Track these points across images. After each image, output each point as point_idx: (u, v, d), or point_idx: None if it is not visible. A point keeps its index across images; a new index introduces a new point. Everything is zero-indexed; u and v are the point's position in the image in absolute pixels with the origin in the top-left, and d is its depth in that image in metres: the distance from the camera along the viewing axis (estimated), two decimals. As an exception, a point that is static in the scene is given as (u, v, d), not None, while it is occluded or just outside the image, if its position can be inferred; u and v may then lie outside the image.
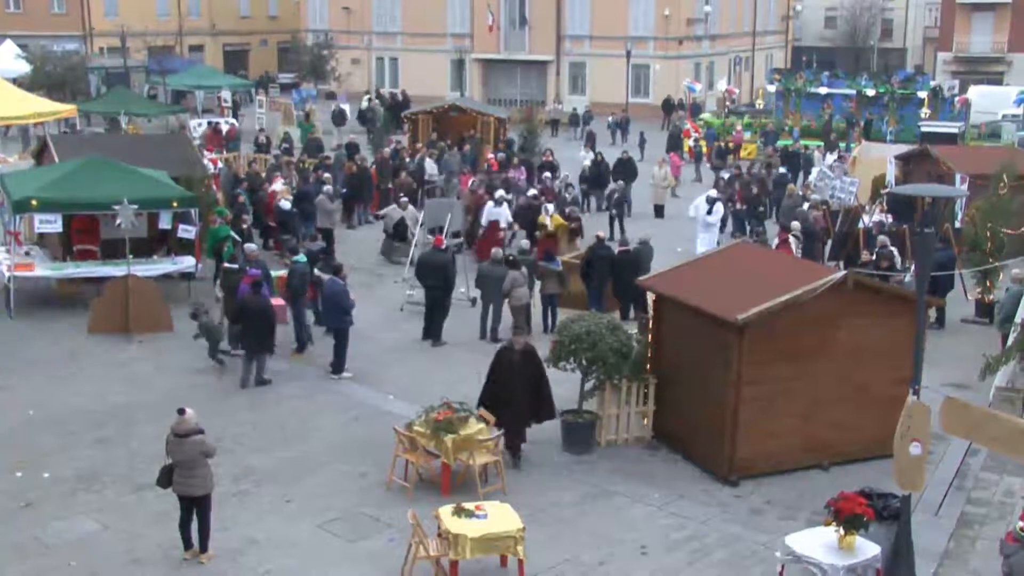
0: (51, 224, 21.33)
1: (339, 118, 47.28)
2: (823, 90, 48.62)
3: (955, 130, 42.33)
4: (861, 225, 25.43)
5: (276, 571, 12.19)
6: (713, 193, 27.98)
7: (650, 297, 16.68)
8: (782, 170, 33.45)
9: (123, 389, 17.67)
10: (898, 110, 46.60)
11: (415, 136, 39.04)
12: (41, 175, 23.03)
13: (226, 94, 50.28)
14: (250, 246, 21.30)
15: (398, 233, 26.19)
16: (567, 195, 29.90)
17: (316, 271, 20.11)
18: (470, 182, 30.27)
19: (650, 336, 16.03)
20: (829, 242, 26.08)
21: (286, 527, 13.14)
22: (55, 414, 16.52)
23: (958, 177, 26.54)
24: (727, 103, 54.39)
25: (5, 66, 45.85)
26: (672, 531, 13.24)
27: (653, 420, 15.83)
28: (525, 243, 22.94)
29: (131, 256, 20.62)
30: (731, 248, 17.85)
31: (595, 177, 33.18)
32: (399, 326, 21.33)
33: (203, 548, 12.30)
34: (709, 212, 26.73)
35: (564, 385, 15.49)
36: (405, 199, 27.53)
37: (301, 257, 20.19)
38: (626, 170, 33.41)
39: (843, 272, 15.03)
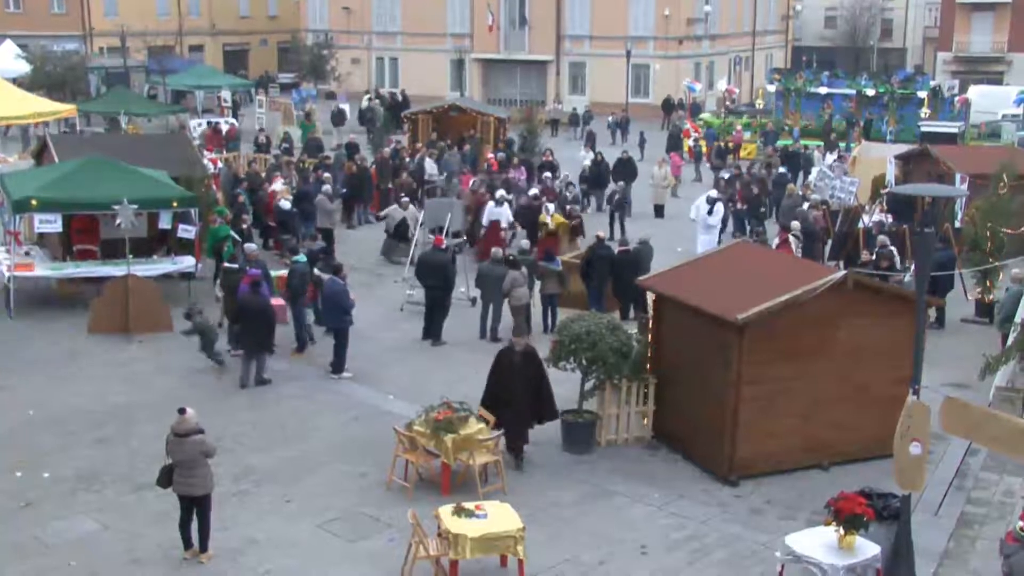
0: (51, 224, 21.33)
1: (338, 118, 47.28)
2: (823, 90, 48.64)
3: (955, 130, 42.35)
4: (861, 225, 25.43)
5: (276, 571, 12.19)
6: (714, 193, 27.97)
7: (650, 297, 16.68)
8: (782, 170, 33.44)
9: (123, 389, 17.67)
10: (898, 110, 46.61)
11: (415, 136, 39.03)
12: (41, 175, 23.02)
13: (226, 94, 50.29)
14: (250, 246, 21.30)
15: (399, 233, 26.18)
16: (568, 194, 29.91)
17: (316, 271, 20.11)
18: (471, 182, 30.27)
19: (650, 336, 16.03)
20: (829, 242, 26.07)
21: (286, 527, 13.14)
22: (55, 414, 16.52)
23: (958, 177, 26.55)
24: (727, 103, 54.39)
25: (5, 66, 45.84)
26: (672, 531, 13.24)
27: (653, 420, 15.83)
28: (525, 243, 22.95)
29: (131, 256, 20.62)
30: (731, 248, 17.85)
31: (595, 177, 33.18)
32: (399, 326, 21.33)
33: (203, 548, 12.30)
34: (710, 212, 26.71)
35: (564, 385, 15.49)
36: (406, 199, 27.52)
37: (301, 257, 20.19)
38: (626, 170, 33.40)
39: (843, 272, 15.03)
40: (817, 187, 29.27)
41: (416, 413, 14.60)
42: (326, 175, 29.55)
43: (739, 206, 28.98)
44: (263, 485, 14.27)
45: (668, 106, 55.56)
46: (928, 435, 11.32)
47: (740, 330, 13.85)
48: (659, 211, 32.44)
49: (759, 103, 53.80)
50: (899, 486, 11.41)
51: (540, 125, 39.61)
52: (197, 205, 22.31)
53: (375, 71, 67.13)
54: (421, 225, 24.37)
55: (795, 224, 24.20)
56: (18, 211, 21.09)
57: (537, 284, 21.21)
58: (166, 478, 12.15)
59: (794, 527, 12.68)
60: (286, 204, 26.35)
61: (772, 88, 51.27)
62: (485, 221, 26.20)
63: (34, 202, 20.90)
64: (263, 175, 30.75)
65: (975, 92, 49.99)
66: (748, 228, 27.80)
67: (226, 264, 20.56)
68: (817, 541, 11.39)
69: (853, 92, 47.97)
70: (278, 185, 28.14)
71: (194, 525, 12.27)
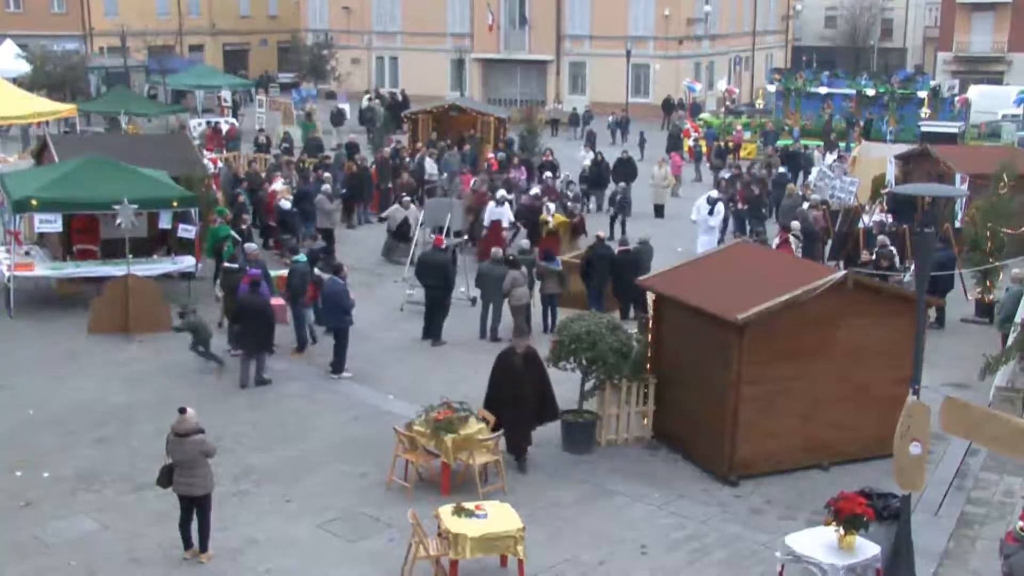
0: (51, 224, 21.33)
1: (338, 118, 47.29)
2: (823, 90, 48.67)
3: (955, 130, 42.36)
4: (861, 225, 25.43)
5: (276, 571, 12.19)
6: (714, 193, 27.97)
7: (650, 297, 16.68)
8: (782, 170, 33.45)
9: (123, 389, 17.68)
10: (898, 110, 46.62)
11: (415, 136, 39.04)
12: (41, 175, 23.03)
13: (226, 94, 50.29)
14: (250, 246, 21.30)
15: (401, 233, 26.15)
16: (569, 192, 29.90)
17: (316, 271, 20.11)
18: (472, 182, 30.29)
19: (650, 336, 16.03)
20: (829, 242, 26.06)
21: (286, 527, 13.14)
22: (55, 413, 16.52)
23: (958, 177, 26.55)
24: (727, 103, 54.40)
25: (5, 66, 45.84)
26: (672, 531, 13.24)
27: (653, 420, 15.83)
28: (525, 243, 22.96)
29: (131, 256, 20.62)
30: (731, 248, 17.85)
31: (595, 177, 33.19)
32: (399, 326, 21.33)
33: (203, 548, 12.30)
34: (711, 213, 26.69)
35: (564, 385, 15.48)
36: (408, 198, 27.51)
37: (301, 257, 20.20)
38: (626, 170, 33.40)
39: (843, 272, 15.03)
40: (817, 187, 29.27)
41: (416, 413, 14.60)
42: (326, 175, 29.56)
43: (740, 206, 28.97)
44: (263, 485, 14.27)
45: (668, 106, 55.58)
46: (928, 435, 11.32)
47: (740, 330, 13.85)
48: (659, 211, 32.44)
49: (759, 103, 53.83)
50: (899, 486, 11.41)
51: (540, 125, 39.61)
52: (197, 205, 22.31)
53: (375, 71, 67.14)
54: (421, 225, 24.38)
55: (795, 224, 24.20)
56: (18, 211, 21.09)
57: (537, 284, 21.21)
58: (166, 478, 12.15)
59: (794, 527, 12.68)
60: (286, 204, 26.36)
61: (772, 88, 51.28)
62: (486, 221, 26.19)
63: (34, 202, 20.90)
64: (263, 175, 30.76)
65: (975, 92, 50.00)
66: (748, 228, 27.79)
67: (226, 264, 20.56)
68: (817, 541, 11.39)
69: (853, 92, 47.99)
70: (278, 185, 28.15)
71: (194, 525, 12.27)
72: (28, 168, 27.00)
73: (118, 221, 20.35)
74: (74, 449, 15.28)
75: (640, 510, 13.77)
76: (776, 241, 23.86)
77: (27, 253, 22.47)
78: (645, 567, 12.40)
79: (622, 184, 30.68)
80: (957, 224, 25.28)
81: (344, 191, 30.28)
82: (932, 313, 20.40)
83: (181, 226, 21.94)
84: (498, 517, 11.85)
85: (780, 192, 29.95)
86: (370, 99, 50.94)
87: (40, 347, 19.56)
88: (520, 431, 14.62)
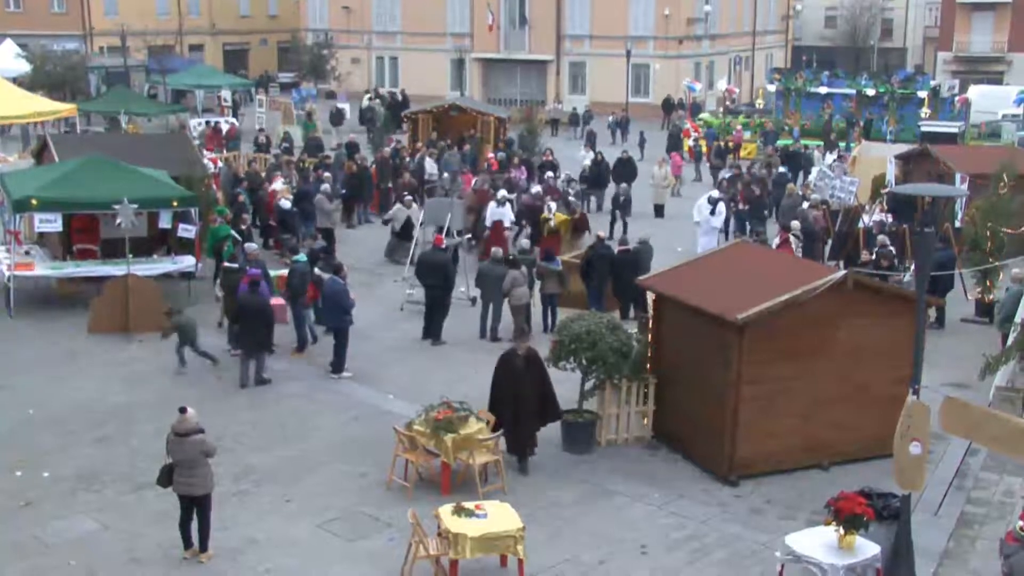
0: (51, 223, 21.34)
1: (337, 118, 47.30)
2: (823, 90, 48.68)
3: (955, 130, 42.37)
4: (861, 225, 25.43)
5: (276, 570, 12.19)
6: (715, 193, 27.97)
7: (650, 297, 16.68)
8: (782, 169, 33.45)
9: (123, 388, 17.68)
10: (898, 110, 46.63)
11: (415, 136, 39.04)
12: (41, 174, 23.03)
13: (226, 93, 50.29)
14: (250, 245, 21.31)
15: (406, 232, 26.11)
16: (570, 190, 29.91)
17: (316, 270, 20.11)
18: (473, 181, 30.30)
19: (650, 336, 16.03)
20: (829, 242, 26.05)
21: (286, 526, 13.14)
22: (55, 413, 16.52)
23: (958, 177, 26.54)
24: (727, 103, 54.42)
25: (5, 65, 45.85)
26: (672, 531, 13.23)
27: (653, 420, 15.83)
28: (525, 242, 22.96)
29: (131, 255, 20.62)
30: (731, 248, 17.85)
31: (595, 177, 33.19)
32: (399, 325, 21.33)
33: (203, 547, 12.30)
34: (712, 213, 26.67)
35: (564, 385, 15.47)
36: (409, 197, 27.49)
37: (301, 256, 20.20)
38: (626, 170, 33.41)
39: (843, 272, 15.03)
40: (817, 187, 29.27)
41: (416, 413, 14.60)
42: (326, 175, 29.56)
43: (741, 206, 28.95)
44: (263, 485, 14.27)
45: (668, 106, 55.58)
46: (928, 435, 11.32)
47: (740, 330, 13.85)
48: (659, 211, 32.44)
49: (759, 103, 53.83)
50: (899, 486, 11.41)
51: (540, 125, 39.61)
52: (197, 205, 22.32)
53: (375, 71, 67.14)
54: (421, 224, 24.38)
55: (795, 224, 24.20)
56: (18, 210, 21.09)
57: (537, 284, 21.21)
58: (166, 478, 12.15)
59: (794, 527, 12.68)
60: (286, 204, 26.36)
61: (772, 88, 51.29)
62: (488, 221, 26.17)
63: (34, 201, 20.91)
64: (263, 175, 30.76)
65: (975, 92, 50.01)
66: (748, 228, 27.79)
67: (226, 264, 20.57)
68: (817, 541, 11.39)
69: (853, 92, 48.00)
70: (278, 185, 28.16)
71: (194, 525, 12.27)
72: (28, 168, 27.00)
73: (118, 221, 20.36)
74: (74, 449, 15.28)
75: (640, 510, 13.77)
76: (776, 241, 23.85)
77: (27, 253, 22.47)
78: (645, 567, 12.40)
79: (624, 185, 30.68)
80: (957, 224, 25.28)
81: (344, 191, 30.27)
82: (932, 313, 20.40)
83: (181, 226, 21.94)
84: (498, 517, 11.85)
85: (780, 192, 29.96)
86: (370, 99, 50.94)
87: (40, 347, 19.55)
88: (523, 432, 14.60)
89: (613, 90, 57.44)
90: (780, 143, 41.69)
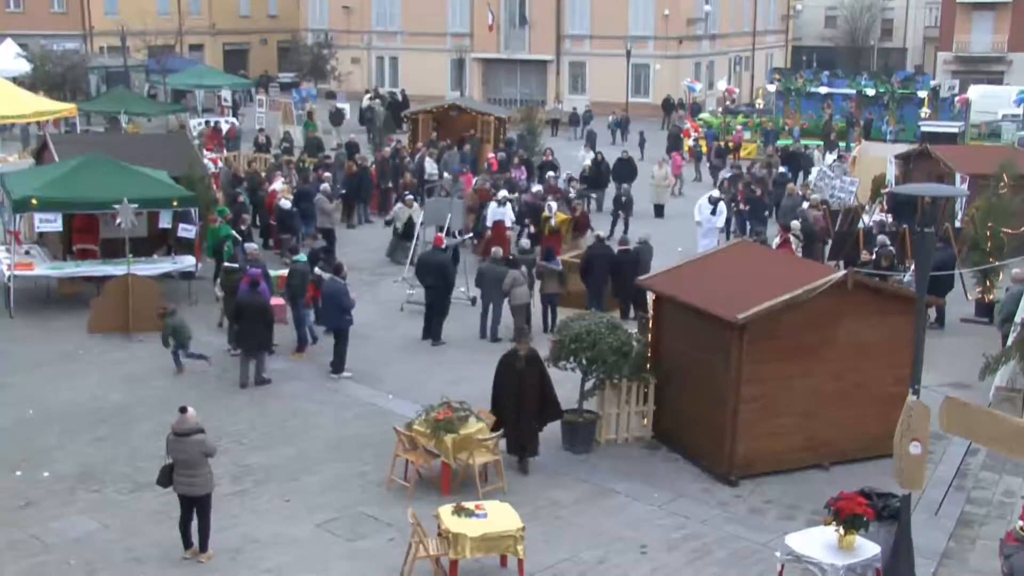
0: (51, 223, 21.34)
1: (336, 118, 47.30)
2: (823, 90, 48.69)
3: (955, 130, 42.38)
4: (861, 225, 25.42)
5: (275, 570, 12.18)
6: (716, 193, 27.96)
7: (650, 296, 16.67)
8: (782, 169, 33.45)
9: (123, 388, 17.68)
10: (898, 110, 46.64)
11: (415, 136, 39.03)
12: (41, 174, 23.03)
13: (226, 93, 50.28)
14: (250, 245, 21.32)
15: (408, 232, 26.09)
16: (571, 189, 29.91)
17: (317, 270, 20.11)
18: (474, 181, 30.29)
19: (650, 335, 16.03)
20: (829, 242, 26.04)
21: (286, 526, 13.13)
22: (55, 413, 16.52)
23: (958, 177, 26.55)
24: (726, 103, 54.42)
25: (5, 65, 45.83)
26: (672, 530, 13.23)
27: (653, 419, 15.83)
28: (525, 242, 22.96)
29: (131, 255, 20.61)
30: (731, 248, 17.85)
31: (595, 177, 33.19)
32: (399, 326, 21.33)
33: (203, 547, 12.30)
34: (713, 212, 26.64)
35: (564, 385, 15.47)
36: (410, 197, 27.47)
37: (301, 256, 20.21)
38: (626, 170, 33.41)
39: (843, 272, 15.03)
40: (817, 187, 29.27)
41: (416, 413, 14.60)
42: (326, 175, 29.56)
43: (742, 207, 28.93)
44: (263, 484, 14.27)
45: (668, 106, 55.58)
46: (928, 435, 11.31)
47: (740, 330, 13.85)
48: (659, 211, 32.45)
49: (759, 103, 53.84)
50: (899, 486, 11.41)
51: (540, 125, 39.61)
52: (197, 204, 22.31)
53: (375, 71, 67.13)
54: (421, 224, 24.37)
55: (795, 224, 24.20)
56: (18, 210, 21.09)
57: (537, 284, 21.21)
58: (166, 477, 12.15)
59: (794, 527, 12.68)
60: (286, 203, 26.36)
61: (772, 88, 51.30)
62: (489, 221, 26.17)
63: (34, 201, 20.90)
64: (263, 175, 30.76)
65: (975, 92, 50.00)
66: (748, 228, 27.78)
67: (226, 264, 20.58)
68: (817, 541, 11.38)
69: (853, 92, 48.01)
70: (278, 184, 28.15)
71: (194, 524, 12.27)
72: (28, 167, 27.00)
73: (118, 221, 20.37)
74: (74, 448, 15.28)
75: (640, 510, 13.76)
76: (776, 241, 23.85)
77: (27, 252, 22.47)
78: (645, 567, 12.40)
79: (625, 185, 30.66)
80: (957, 224, 25.28)
81: (343, 191, 30.27)
82: (932, 313, 20.39)
83: (181, 226, 21.94)
84: (498, 517, 11.85)
85: (780, 192, 29.95)
86: (370, 99, 50.93)
87: (40, 347, 19.55)
88: (524, 433, 14.60)
89: (613, 90, 57.45)
90: (780, 143, 41.69)
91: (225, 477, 13.95)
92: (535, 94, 61.19)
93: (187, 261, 22.33)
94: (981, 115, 47.21)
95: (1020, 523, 10.23)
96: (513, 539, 11.62)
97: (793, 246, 23.12)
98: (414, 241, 24.19)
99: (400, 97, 52.95)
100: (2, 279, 21.82)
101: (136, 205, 20.46)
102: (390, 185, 31.48)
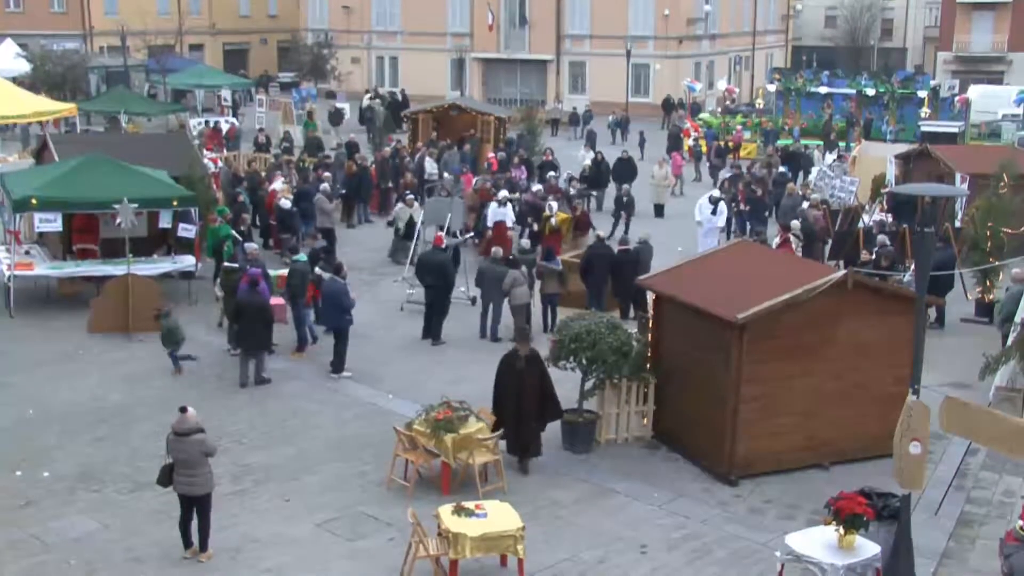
0: (51, 223, 21.34)
1: (336, 117, 47.30)
2: (823, 89, 48.69)
3: (955, 130, 42.37)
4: (861, 225, 25.42)
5: (275, 569, 12.18)
6: (716, 193, 27.96)
7: (650, 296, 16.67)
8: (782, 169, 33.45)
9: (123, 388, 17.68)
10: (898, 110, 46.65)
11: (415, 136, 39.03)
12: (41, 174, 23.03)
13: (226, 93, 50.27)
14: (250, 245, 21.33)
15: (410, 232, 26.07)
16: (572, 189, 29.92)
17: (317, 270, 20.11)
18: (474, 180, 30.28)
19: (650, 335, 16.03)
20: (829, 242, 26.04)
21: (285, 526, 13.13)
22: (55, 413, 16.52)
23: (958, 177, 26.55)
24: (726, 102, 54.41)
25: (5, 65, 45.83)
26: (672, 530, 13.23)
27: (653, 419, 15.83)
28: (525, 242, 22.97)
29: (131, 255, 20.61)
30: (731, 247, 17.85)
31: (595, 177, 33.19)
32: (399, 325, 21.33)
33: (203, 547, 12.30)
34: (713, 212, 26.63)
35: (564, 384, 15.47)
36: (411, 196, 27.46)
37: (301, 256, 20.21)
38: (626, 170, 33.42)
39: (843, 271, 15.03)
40: (817, 187, 29.26)
41: (416, 412, 14.60)
42: (326, 174, 29.56)
43: (742, 207, 28.93)
44: (263, 484, 14.27)
45: (668, 106, 55.57)
46: (928, 435, 11.31)
47: (740, 330, 13.85)
48: (659, 211, 32.45)
49: (759, 103, 53.85)
50: (899, 486, 11.41)
51: (540, 125, 39.62)
52: (197, 204, 22.31)
53: (375, 70, 67.13)
54: (421, 223, 24.36)
55: (795, 224, 24.21)
56: (18, 210, 21.09)
57: (537, 284, 21.21)
58: (166, 477, 12.15)
59: (794, 527, 12.69)
60: (286, 203, 26.36)
61: (772, 88, 51.31)
62: (489, 221, 26.17)
63: (34, 201, 20.91)
64: (263, 175, 30.75)
65: (975, 92, 50.01)
66: (749, 228, 27.77)
67: (226, 264, 20.58)
68: (817, 540, 11.38)
69: (853, 92, 48.01)
70: (278, 184, 28.15)
71: (194, 524, 12.27)
72: (28, 167, 26.99)
73: (118, 220, 20.37)
74: (74, 448, 15.28)
75: (640, 509, 13.77)
76: (776, 241, 23.85)
77: (27, 252, 22.47)
78: (645, 566, 12.40)
79: (626, 186, 30.65)
80: (957, 224, 25.28)
81: (343, 191, 30.26)
82: (932, 313, 20.39)
83: (181, 225, 21.94)
84: (498, 516, 11.85)
85: (780, 191, 29.95)
86: (370, 99, 50.93)
87: (40, 346, 19.55)
88: (525, 433, 14.59)
89: (613, 90, 57.45)
90: (780, 143, 41.69)
91: (225, 477, 13.95)
92: (535, 94, 61.19)
93: (187, 261, 22.33)
94: (981, 115, 47.21)
95: (1020, 523, 10.23)
96: (513, 539, 11.63)
97: (793, 246, 23.13)
98: (414, 241, 24.19)
99: (400, 97, 52.95)
100: (2, 279, 21.82)
101: (136, 205, 20.46)
102: (390, 185, 31.48)
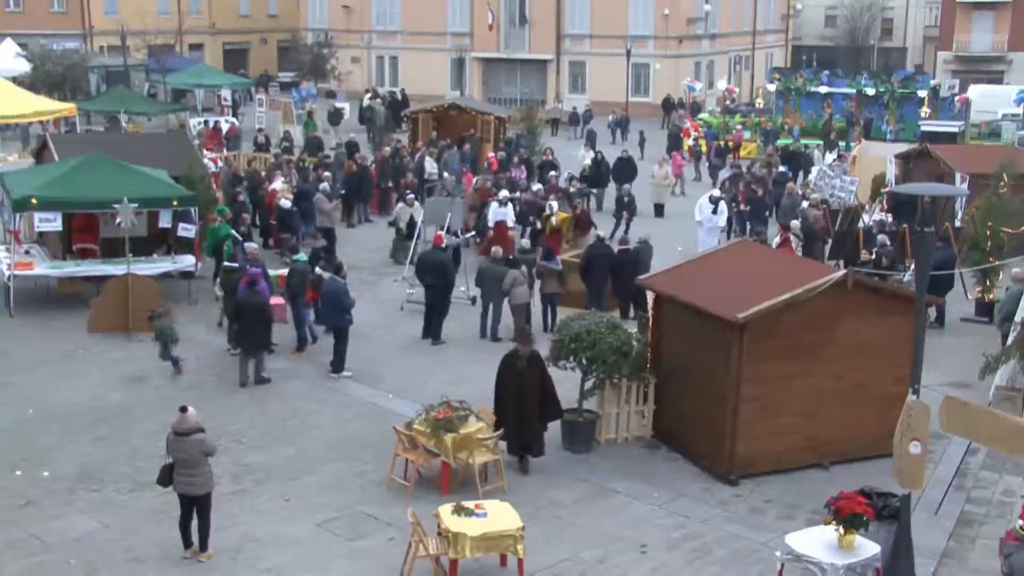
0: (51, 223, 21.34)
1: (335, 117, 47.30)
2: (823, 89, 48.70)
3: (955, 129, 42.37)
4: (861, 224, 25.42)
5: (275, 569, 12.18)
6: (716, 192, 27.95)
7: (650, 296, 16.67)
8: (782, 169, 33.44)
9: (123, 388, 17.68)
10: (898, 109, 46.66)
11: (415, 135, 39.03)
12: (41, 173, 23.03)
13: (226, 93, 50.26)
14: (250, 245, 21.33)
15: (411, 231, 26.04)
16: (572, 188, 29.91)
17: (317, 269, 20.11)
18: (474, 181, 30.28)
19: (650, 335, 16.03)
20: (829, 241, 26.04)
21: (285, 526, 13.13)
22: (55, 412, 16.52)
23: (958, 176, 26.54)
24: (726, 102, 54.41)
25: (5, 65, 45.82)
26: (672, 530, 13.23)
27: (653, 419, 15.83)
28: (525, 242, 22.96)
29: (131, 255, 20.61)
30: (731, 247, 17.85)
31: (595, 176, 33.20)
32: (399, 325, 21.33)
33: (203, 547, 12.30)
34: (714, 212, 26.62)
35: (564, 384, 15.46)
36: (412, 196, 27.45)
37: (301, 256, 20.21)
38: (626, 169, 33.42)
39: (843, 271, 15.03)
40: (817, 186, 29.25)
41: (416, 412, 14.60)
42: (326, 174, 29.55)
43: (742, 207, 28.92)
44: (262, 484, 14.27)
45: (668, 105, 55.57)
46: (928, 434, 11.31)
47: (740, 329, 13.85)
48: (659, 210, 32.45)
49: (759, 102, 53.85)
50: (899, 485, 11.41)
51: (540, 124, 39.62)
52: (197, 204, 22.31)
53: (375, 70, 67.13)
54: (421, 223, 24.36)
55: (795, 223, 24.21)
56: (18, 210, 21.09)
57: (537, 283, 21.21)
58: (166, 477, 12.15)
59: (794, 526, 12.69)
60: (286, 203, 26.36)
61: (772, 87, 51.30)
62: (490, 221, 26.17)
63: (34, 201, 20.91)
64: (263, 174, 30.75)
65: (975, 91, 50.02)
66: (749, 228, 27.77)
67: (226, 263, 20.57)
68: (817, 540, 11.38)
69: (853, 91, 48.01)
70: (278, 184, 28.16)
71: (194, 524, 12.27)
72: (28, 167, 26.99)
73: (118, 220, 20.37)
74: (74, 448, 15.28)
75: (640, 509, 13.77)
76: (776, 240, 23.85)
77: (27, 252, 22.47)
78: (645, 566, 12.40)
79: (627, 186, 30.65)
80: (957, 224, 25.29)
81: (343, 191, 30.26)
82: (932, 312, 20.39)
83: (181, 225, 21.94)
84: (498, 516, 11.85)
85: (780, 191, 29.95)
86: (370, 98, 50.93)
87: (40, 346, 19.55)
88: (528, 433, 14.58)
89: (613, 89, 57.46)
90: (780, 142, 41.69)
91: (225, 476, 13.95)
92: (535, 94, 61.20)
93: (187, 261, 22.33)
94: (981, 115, 47.21)
95: (1020, 522, 10.23)
96: (513, 539, 11.63)
97: (793, 246, 23.12)
98: (414, 240, 24.18)
99: (400, 96, 52.94)
100: (2, 279, 21.82)
101: (136, 205, 20.46)
102: (390, 185, 31.47)
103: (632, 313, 20.98)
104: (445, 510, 11.89)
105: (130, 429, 15.90)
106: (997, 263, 21.73)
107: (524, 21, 63.05)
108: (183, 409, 12.11)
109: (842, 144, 41.18)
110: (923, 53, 79.64)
